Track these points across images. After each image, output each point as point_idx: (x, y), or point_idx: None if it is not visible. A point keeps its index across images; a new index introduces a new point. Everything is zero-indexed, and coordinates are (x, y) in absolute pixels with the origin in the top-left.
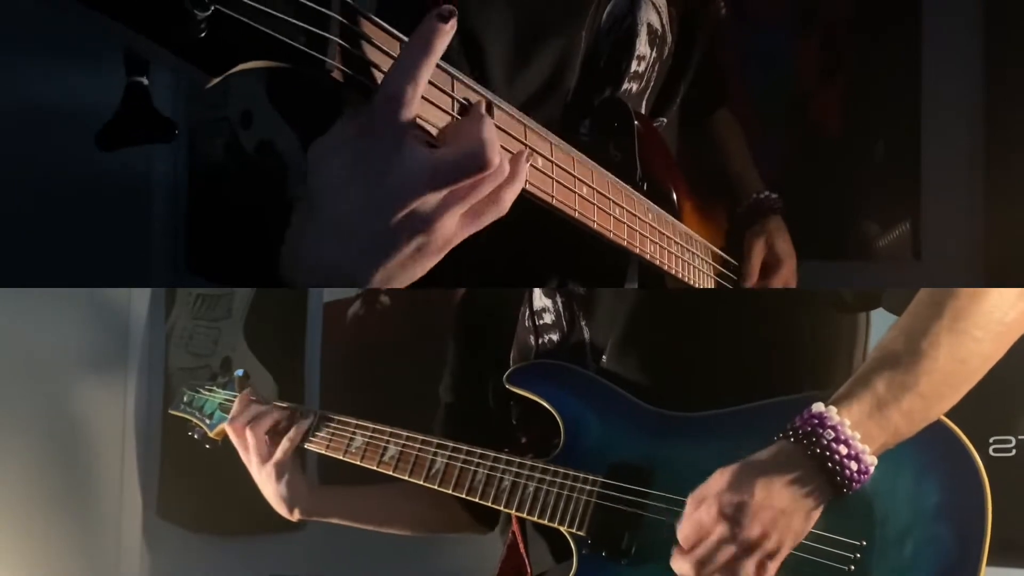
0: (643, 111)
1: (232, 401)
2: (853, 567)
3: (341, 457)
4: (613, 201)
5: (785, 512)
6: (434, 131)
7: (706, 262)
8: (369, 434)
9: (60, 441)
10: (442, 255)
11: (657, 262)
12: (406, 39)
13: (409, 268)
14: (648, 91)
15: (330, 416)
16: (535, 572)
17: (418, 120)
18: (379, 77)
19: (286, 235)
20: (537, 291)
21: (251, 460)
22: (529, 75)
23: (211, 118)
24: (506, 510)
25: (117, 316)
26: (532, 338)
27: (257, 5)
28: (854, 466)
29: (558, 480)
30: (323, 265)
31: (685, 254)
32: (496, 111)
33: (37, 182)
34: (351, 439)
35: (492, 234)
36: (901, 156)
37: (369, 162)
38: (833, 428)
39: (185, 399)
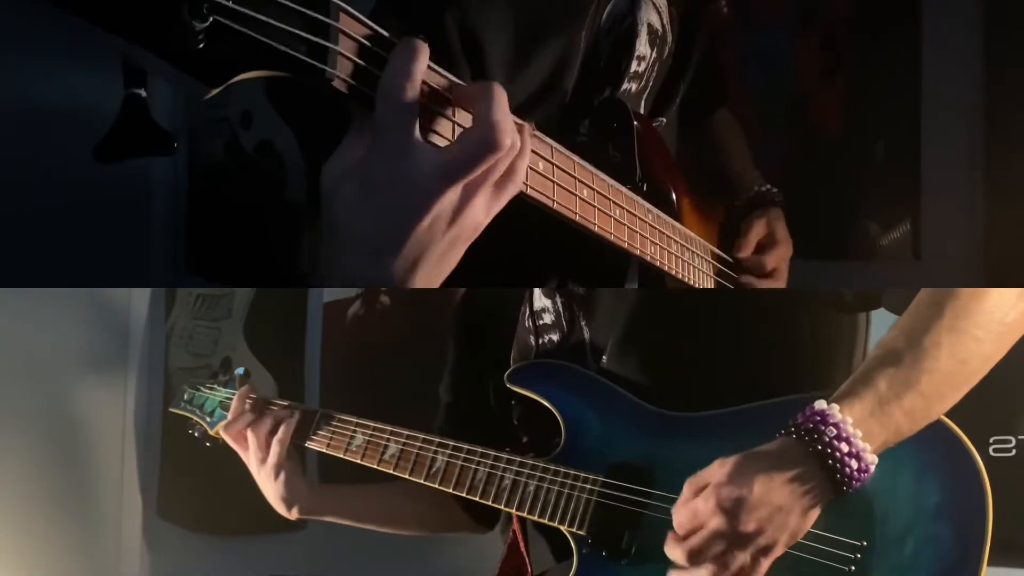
0: (643, 111)
1: (232, 400)
2: (853, 567)
3: (342, 455)
4: (614, 203)
5: (782, 509)
6: (443, 142)
7: (706, 262)
8: (369, 432)
9: (60, 441)
10: (473, 239)
11: (657, 263)
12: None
13: (446, 261)
14: (648, 91)
15: (331, 414)
16: (535, 571)
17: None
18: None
19: (320, 262)
20: (537, 291)
21: (251, 460)
22: (529, 75)
23: (211, 118)
24: (507, 509)
25: (117, 316)
26: (532, 338)
27: (256, 15)
28: (854, 464)
29: (559, 479)
30: (366, 280)
31: (685, 254)
32: None
33: (37, 182)
34: (351, 437)
35: (492, 234)
36: (901, 156)
37: (382, 176)
38: (835, 426)
39: (186, 397)
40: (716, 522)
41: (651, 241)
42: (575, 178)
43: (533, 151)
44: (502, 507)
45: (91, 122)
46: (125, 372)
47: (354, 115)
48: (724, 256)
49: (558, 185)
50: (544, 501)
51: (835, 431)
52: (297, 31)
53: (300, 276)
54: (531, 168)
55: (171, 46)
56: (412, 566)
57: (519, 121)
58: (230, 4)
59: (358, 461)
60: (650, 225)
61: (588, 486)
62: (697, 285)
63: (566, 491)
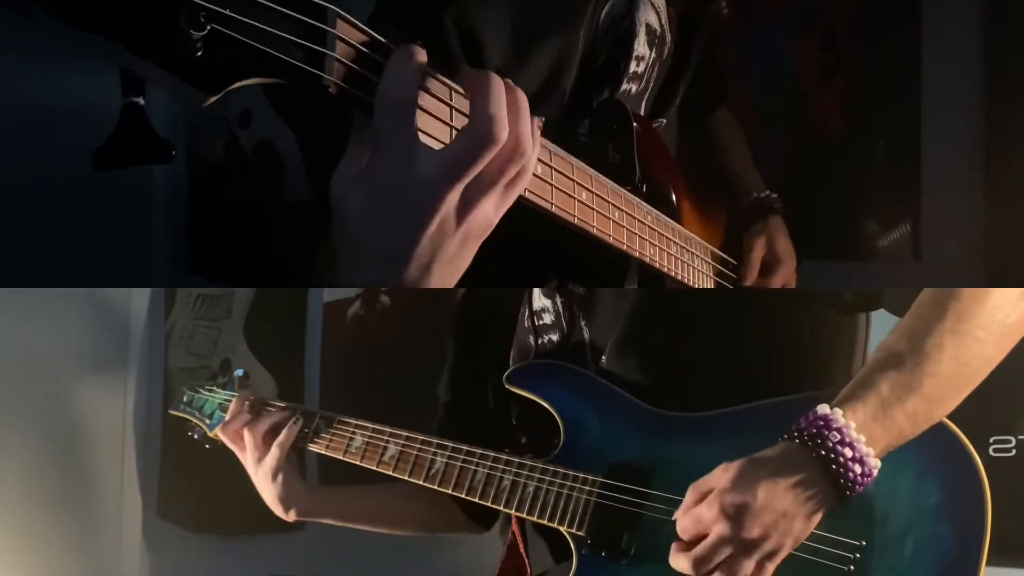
0: (643, 111)
1: (231, 402)
2: (853, 567)
3: (341, 457)
4: (612, 205)
5: (787, 514)
6: (437, 145)
7: (706, 262)
8: (369, 434)
9: (60, 441)
10: (485, 236)
11: (657, 264)
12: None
13: (459, 261)
14: (648, 92)
15: (330, 416)
16: (535, 572)
17: (422, 132)
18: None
19: (335, 267)
20: (536, 291)
21: (248, 461)
22: (528, 75)
23: (210, 118)
24: (506, 510)
25: (117, 316)
26: (532, 338)
27: (253, 23)
28: (858, 469)
29: (558, 480)
30: (382, 283)
31: (684, 255)
32: None
33: (37, 182)
34: (351, 439)
35: (492, 234)
36: (901, 156)
37: (387, 182)
38: (839, 430)
39: (185, 399)
40: (720, 528)
41: (650, 243)
42: (573, 181)
43: None
44: (501, 508)
45: (91, 122)
46: (125, 372)
47: (354, 121)
48: (724, 257)
49: (556, 188)
50: (543, 502)
51: (838, 436)
52: (294, 38)
53: (303, 276)
54: None
55: (169, 55)
56: (412, 566)
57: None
58: (227, 12)
59: (357, 463)
60: (649, 227)
61: (587, 487)
62: (697, 286)
63: (565, 492)
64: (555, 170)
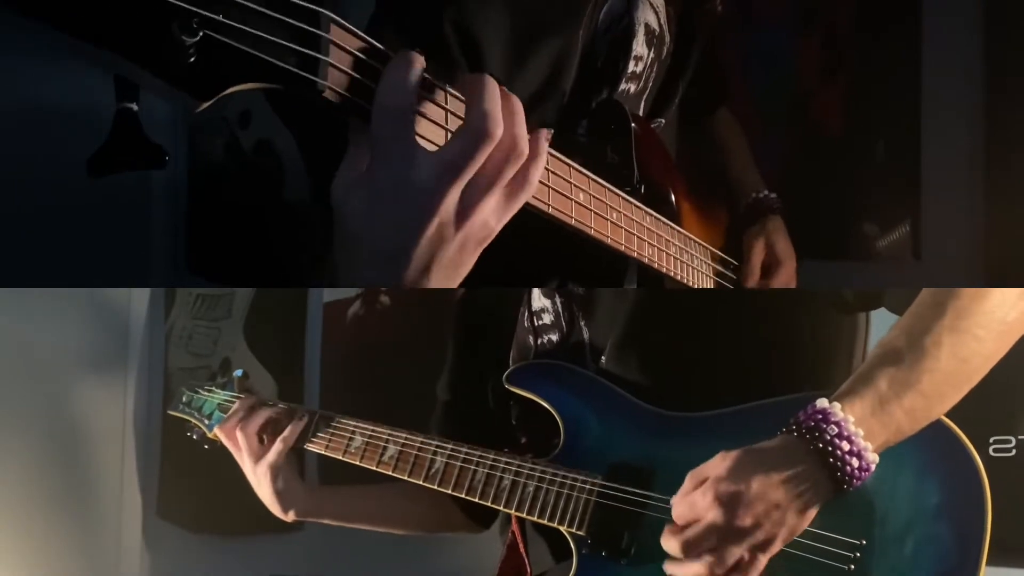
0: (642, 111)
1: (231, 402)
2: (853, 566)
3: (340, 457)
4: (610, 206)
5: (780, 506)
6: (434, 148)
7: (705, 263)
8: (368, 434)
9: (60, 441)
10: (486, 243)
11: (656, 265)
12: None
13: (458, 265)
14: (647, 92)
15: (329, 416)
16: (535, 572)
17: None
18: (371, 95)
19: (336, 269)
20: (536, 291)
21: (244, 461)
22: (527, 76)
23: (210, 118)
24: (506, 510)
25: (117, 316)
26: (531, 338)
27: (246, 28)
28: (855, 463)
29: (558, 480)
30: (382, 283)
31: (684, 255)
32: None
33: (37, 182)
34: (350, 439)
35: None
36: (901, 156)
37: (386, 185)
38: (836, 424)
39: (184, 399)
40: (713, 516)
41: (648, 243)
42: (571, 183)
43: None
44: (501, 508)
45: (91, 123)
46: (125, 372)
47: (352, 126)
48: (724, 257)
49: (554, 190)
50: (543, 502)
51: (836, 429)
52: (288, 43)
53: (302, 276)
54: None
55: (162, 61)
56: (412, 566)
57: (535, 129)
58: (220, 18)
59: (357, 462)
60: (647, 228)
61: (587, 486)
62: (696, 286)
63: (565, 492)
64: (552, 172)
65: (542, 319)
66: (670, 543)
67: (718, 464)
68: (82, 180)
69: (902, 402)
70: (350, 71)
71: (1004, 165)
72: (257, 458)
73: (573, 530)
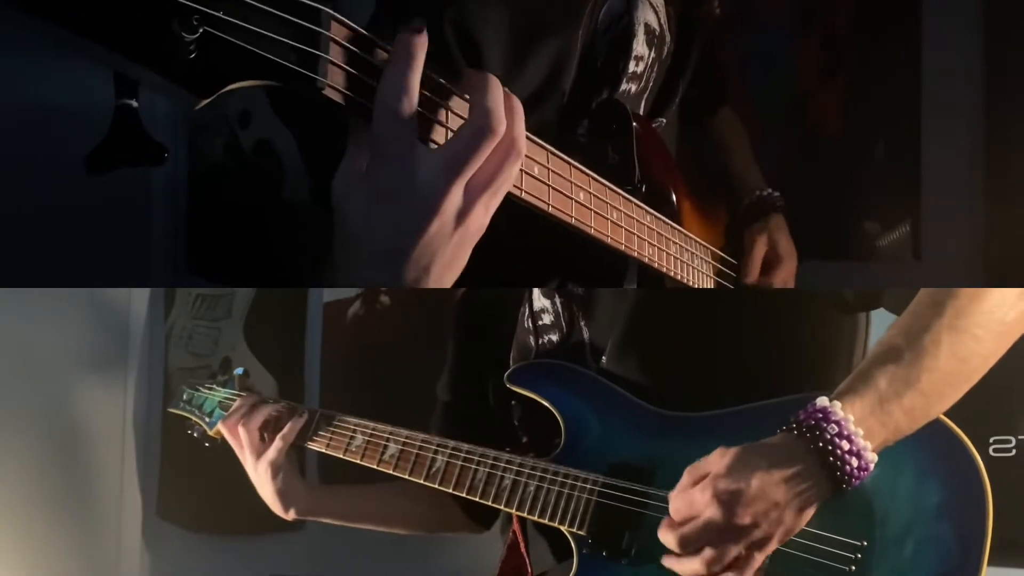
0: (642, 111)
1: (231, 399)
2: (854, 567)
3: (341, 456)
4: (611, 206)
5: (779, 504)
6: (434, 146)
7: (705, 262)
8: (369, 433)
9: (60, 441)
10: (478, 238)
11: (656, 264)
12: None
13: (456, 263)
14: (647, 91)
15: (330, 414)
16: (536, 572)
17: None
18: (371, 92)
19: (335, 268)
20: (536, 291)
21: (246, 458)
22: (527, 76)
23: (210, 117)
24: (506, 509)
25: (117, 316)
26: (532, 338)
27: (246, 25)
28: (855, 462)
29: (559, 479)
30: (382, 283)
31: (684, 255)
32: None
33: (37, 182)
34: (351, 438)
35: (492, 234)
36: (901, 156)
37: (387, 184)
38: (836, 423)
39: (184, 397)
40: (711, 513)
41: (648, 243)
42: (571, 182)
43: (529, 156)
44: (502, 507)
45: (92, 122)
46: (125, 372)
47: (352, 125)
48: (725, 257)
49: (553, 189)
50: (544, 501)
51: (836, 428)
52: (287, 40)
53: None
54: (526, 172)
55: (162, 58)
56: (412, 566)
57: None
58: (220, 15)
59: (358, 461)
60: (648, 227)
61: (588, 486)
62: (696, 286)
63: (566, 491)
64: (552, 171)
65: (542, 319)
66: (667, 536)
67: (717, 460)
68: (82, 180)
69: (901, 401)
70: (350, 69)
71: (1004, 165)
72: (258, 455)
73: (574, 530)
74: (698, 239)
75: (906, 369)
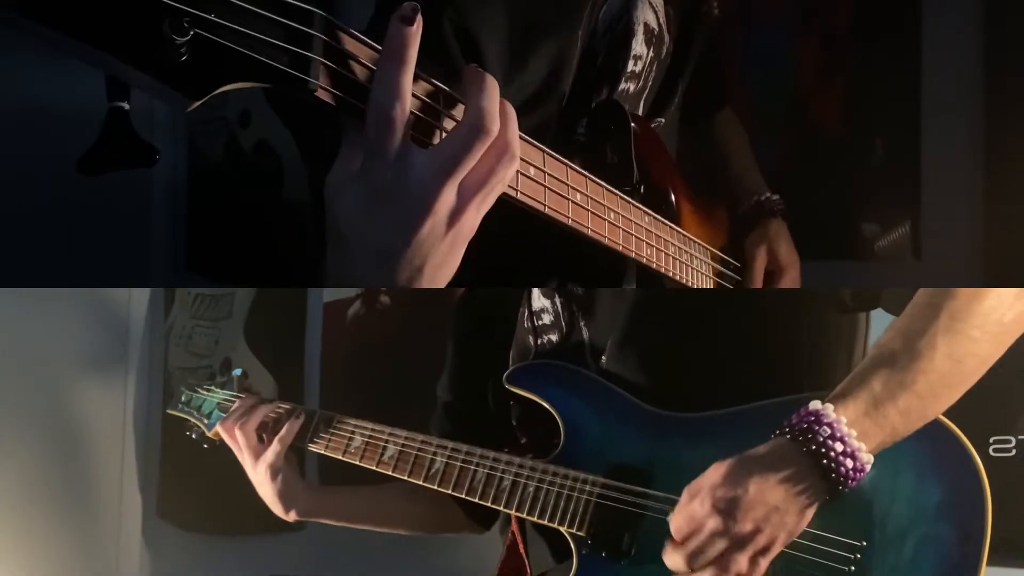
0: (641, 111)
1: (230, 401)
2: (853, 567)
3: (340, 457)
4: (607, 207)
5: (778, 509)
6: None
7: (705, 263)
8: (368, 434)
9: (60, 441)
10: (469, 239)
11: (654, 265)
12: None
13: (449, 263)
14: (646, 91)
15: (329, 416)
16: (535, 572)
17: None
18: (365, 94)
19: (327, 268)
20: (536, 291)
21: (245, 460)
22: (526, 76)
23: (209, 117)
24: (506, 510)
25: (117, 316)
26: (531, 339)
27: (238, 27)
28: (849, 464)
29: (558, 480)
30: (375, 283)
31: (683, 256)
32: None
33: (37, 182)
34: (350, 439)
35: (492, 234)
36: (901, 156)
37: (381, 186)
38: (829, 425)
39: (183, 399)
40: (713, 523)
41: (647, 243)
42: (567, 184)
43: (524, 159)
44: (501, 508)
45: (91, 122)
46: (125, 372)
47: (344, 125)
48: (725, 257)
49: (550, 190)
50: (543, 502)
51: (829, 431)
52: (279, 42)
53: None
54: (523, 174)
55: (153, 60)
56: (412, 566)
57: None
58: (211, 17)
59: (357, 462)
60: (646, 228)
61: (587, 487)
62: (696, 286)
63: (565, 492)
64: (548, 173)
65: (542, 319)
66: (674, 559)
67: (712, 474)
68: (81, 180)
69: (897, 403)
70: (343, 71)
71: (1004, 165)
72: (257, 456)
73: (573, 530)
74: (697, 240)
75: (902, 371)
